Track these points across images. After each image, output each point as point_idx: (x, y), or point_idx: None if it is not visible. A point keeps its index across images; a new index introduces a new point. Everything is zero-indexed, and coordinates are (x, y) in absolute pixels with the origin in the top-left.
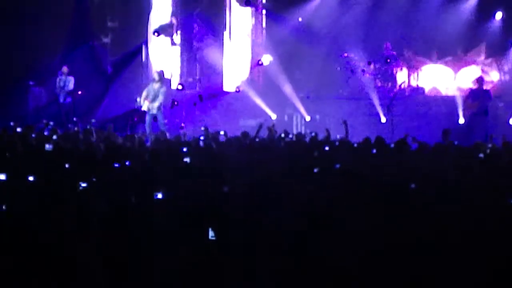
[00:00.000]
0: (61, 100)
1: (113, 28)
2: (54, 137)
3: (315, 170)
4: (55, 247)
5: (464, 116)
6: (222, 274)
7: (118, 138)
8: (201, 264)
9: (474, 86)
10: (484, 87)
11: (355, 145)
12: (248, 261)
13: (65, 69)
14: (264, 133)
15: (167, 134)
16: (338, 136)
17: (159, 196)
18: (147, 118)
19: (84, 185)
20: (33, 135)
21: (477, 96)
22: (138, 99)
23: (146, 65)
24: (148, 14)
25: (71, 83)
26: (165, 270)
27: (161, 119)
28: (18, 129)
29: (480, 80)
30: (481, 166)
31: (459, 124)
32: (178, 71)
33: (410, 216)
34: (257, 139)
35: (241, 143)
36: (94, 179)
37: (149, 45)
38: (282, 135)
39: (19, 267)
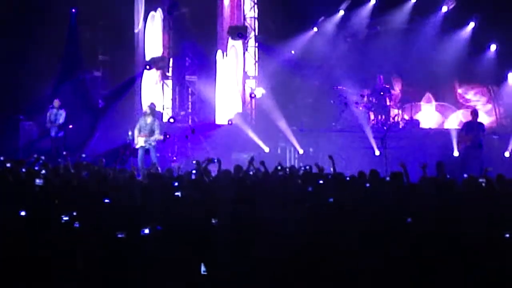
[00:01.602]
0: (53, 134)
1: (104, 61)
2: (43, 171)
3: (308, 205)
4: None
5: (458, 149)
6: None
7: (109, 172)
8: None
9: (468, 119)
10: (478, 120)
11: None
12: None
13: (56, 102)
14: (256, 166)
15: (159, 168)
16: (331, 170)
17: (146, 231)
18: (140, 152)
19: (66, 218)
20: (23, 170)
21: (471, 128)
22: (129, 133)
23: (137, 99)
24: (139, 47)
25: (62, 116)
26: None
27: (153, 152)
28: (8, 164)
29: (474, 113)
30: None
31: (454, 157)
32: (170, 104)
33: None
34: (251, 173)
35: (233, 178)
36: (84, 214)
37: (141, 78)
38: (279, 167)
39: None
